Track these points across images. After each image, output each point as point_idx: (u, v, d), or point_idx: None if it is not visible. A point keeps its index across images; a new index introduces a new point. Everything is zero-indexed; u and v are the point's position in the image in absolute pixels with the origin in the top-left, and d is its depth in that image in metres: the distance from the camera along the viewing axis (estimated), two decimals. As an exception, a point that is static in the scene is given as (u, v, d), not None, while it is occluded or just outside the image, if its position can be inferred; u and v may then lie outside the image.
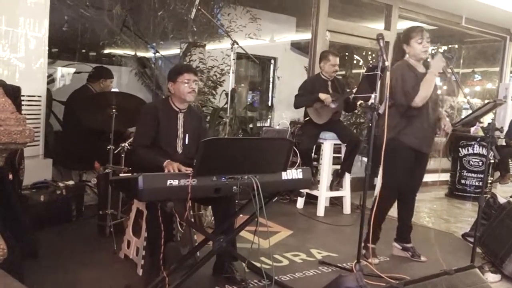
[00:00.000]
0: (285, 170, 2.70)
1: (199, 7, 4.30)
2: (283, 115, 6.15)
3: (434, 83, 3.29)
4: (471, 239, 3.64)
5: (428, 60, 3.38)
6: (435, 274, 2.43)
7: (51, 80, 5.29)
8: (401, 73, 3.26)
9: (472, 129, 6.57)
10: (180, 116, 3.06)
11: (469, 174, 6.34)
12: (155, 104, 3.18)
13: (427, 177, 7.46)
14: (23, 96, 3.69)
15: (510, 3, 6.51)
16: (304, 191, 3.00)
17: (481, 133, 5.94)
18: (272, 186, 2.71)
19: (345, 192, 5.03)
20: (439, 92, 3.50)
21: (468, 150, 6.33)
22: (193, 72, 3.05)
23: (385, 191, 3.35)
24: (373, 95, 3.17)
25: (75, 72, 5.60)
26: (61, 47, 5.82)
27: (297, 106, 4.97)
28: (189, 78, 2.97)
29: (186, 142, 3.05)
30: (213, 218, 3.30)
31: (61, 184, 3.90)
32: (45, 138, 4.20)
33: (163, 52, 6.06)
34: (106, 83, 4.42)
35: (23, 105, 3.72)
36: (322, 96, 4.72)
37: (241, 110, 6.47)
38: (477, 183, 6.28)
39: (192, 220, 3.32)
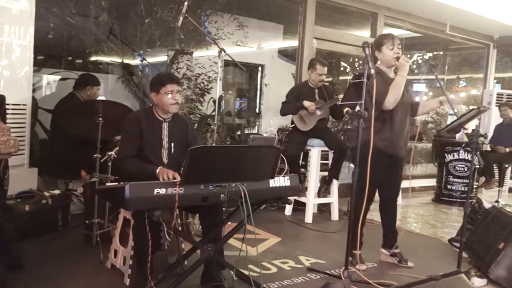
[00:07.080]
0: (272, 177, 2.70)
1: (186, 15, 4.29)
2: (271, 122, 6.17)
3: (404, 86, 3.30)
4: (458, 244, 3.67)
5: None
6: (422, 279, 2.46)
7: (36, 88, 5.24)
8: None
9: (458, 135, 6.64)
10: (165, 126, 3.00)
11: (455, 180, 6.41)
12: (137, 114, 3.06)
13: (413, 183, 7.53)
14: (8, 104, 3.66)
15: (493, 11, 6.63)
16: (292, 198, 3.00)
17: (466, 139, 6.01)
18: (259, 194, 2.71)
19: (333, 198, 5.05)
20: (417, 99, 3.53)
21: (453, 155, 6.40)
22: (176, 82, 2.95)
23: (356, 194, 3.36)
24: (359, 102, 3.20)
25: (61, 79, 5.55)
26: (47, 54, 5.78)
27: (282, 113, 5.01)
28: (172, 89, 2.89)
29: (172, 151, 3.00)
30: (200, 226, 3.29)
31: (46, 194, 3.85)
32: (30, 147, 4.16)
33: (150, 60, 6.04)
34: (93, 90, 4.34)
35: (7, 113, 3.69)
36: (306, 103, 4.75)
37: (227, 117, 6.47)
38: (463, 188, 6.35)
39: (180, 228, 3.31)
